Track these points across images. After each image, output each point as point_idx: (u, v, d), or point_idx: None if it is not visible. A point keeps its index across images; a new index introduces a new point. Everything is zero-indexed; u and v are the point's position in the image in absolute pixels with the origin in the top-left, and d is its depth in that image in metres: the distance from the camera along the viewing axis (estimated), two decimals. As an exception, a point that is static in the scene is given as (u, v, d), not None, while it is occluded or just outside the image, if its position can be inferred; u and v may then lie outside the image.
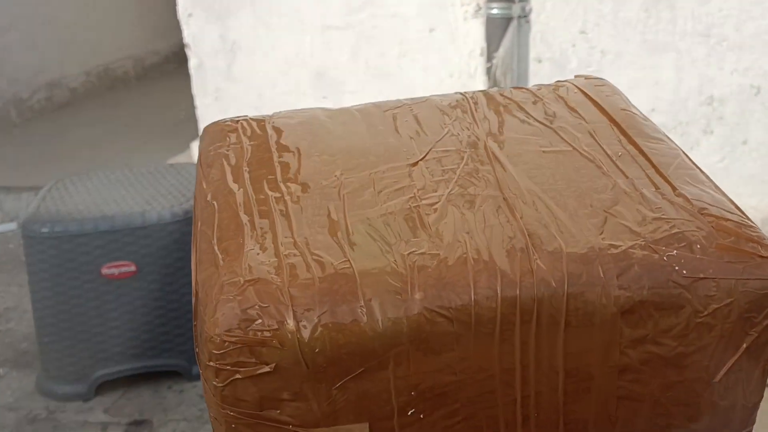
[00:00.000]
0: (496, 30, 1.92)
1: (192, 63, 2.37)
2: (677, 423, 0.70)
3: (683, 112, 1.92)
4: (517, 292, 0.64)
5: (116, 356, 1.72)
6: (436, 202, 0.73)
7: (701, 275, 0.65)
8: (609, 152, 0.80)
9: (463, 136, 0.86)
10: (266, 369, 0.62)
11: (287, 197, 0.76)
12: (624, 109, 0.89)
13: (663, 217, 0.69)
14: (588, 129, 0.85)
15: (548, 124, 0.87)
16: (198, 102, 2.41)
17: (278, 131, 0.89)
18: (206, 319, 0.64)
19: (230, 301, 0.63)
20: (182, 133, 3.07)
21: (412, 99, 0.96)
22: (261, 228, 0.72)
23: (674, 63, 1.85)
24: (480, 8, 1.95)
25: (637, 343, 0.66)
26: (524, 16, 1.89)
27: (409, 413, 0.66)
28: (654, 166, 0.78)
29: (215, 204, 0.77)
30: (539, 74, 1.96)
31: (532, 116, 0.89)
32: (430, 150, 0.83)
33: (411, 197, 0.75)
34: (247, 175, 0.80)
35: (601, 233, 0.68)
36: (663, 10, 1.81)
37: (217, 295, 0.64)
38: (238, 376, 0.62)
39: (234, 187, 0.79)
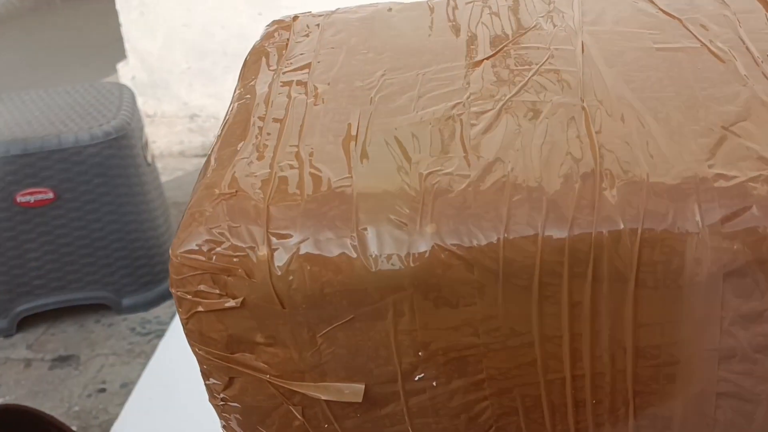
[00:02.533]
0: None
1: (115, -24, 2.20)
2: (805, 441, 0.48)
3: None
4: (567, 232, 0.46)
5: (37, 289, 1.59)
6: (488, 110, 0.56)
7: None
8: (753, 50, 0.57)
9: (554, 30, 0.66)
10: (232, 303, 0.50)
11: (311, 99, 0.62)
12: (795, -5, 0.64)
13: (815, 138, 0.46)
14: (732, 20, 0.61)
15: (676, 14, 0.64)
16: (122, 18, 2.20)
17: (332, 26, 0.74)
18: (175, 237, 0.52)
19: (198, 218, 0.51)
20: (109, 55, 2.73)
21: (507, -12, 0.76)
22: (268, 134, 0.59)
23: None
24: None
25: (748, 320, 0.45)
26: None
27: (417, 378, 0.51)
28: (821, 68, 0.53)
29: (235, 106, 0.65)
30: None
31: (656, 5, 0.67)
32: (503, 47, 0.64)
33: (458, 103, 0.57)
34: (277, 76, 0.67)
35: (711, 158, 0.47)
36: None
37: (188, 210, 0.53)
38: (200, 308, 0.51)
39: (259, 87, 0.66)
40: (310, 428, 0.54)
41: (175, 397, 1.13)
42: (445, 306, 0.49)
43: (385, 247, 0.48)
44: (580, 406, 0.51)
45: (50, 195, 1.52)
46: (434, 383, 0.51)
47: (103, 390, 1.49)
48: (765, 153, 0.46)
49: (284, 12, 2.26)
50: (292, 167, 0.54)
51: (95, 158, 1.52)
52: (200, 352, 0.53)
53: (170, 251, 0.51)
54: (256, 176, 0.53)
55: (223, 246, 0.50)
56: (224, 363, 0.53)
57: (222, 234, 0.50)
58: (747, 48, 0.57)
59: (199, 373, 0.55)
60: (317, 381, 0.52)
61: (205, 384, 0.56)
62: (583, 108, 0.54)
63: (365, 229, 0.49)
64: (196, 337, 0.52)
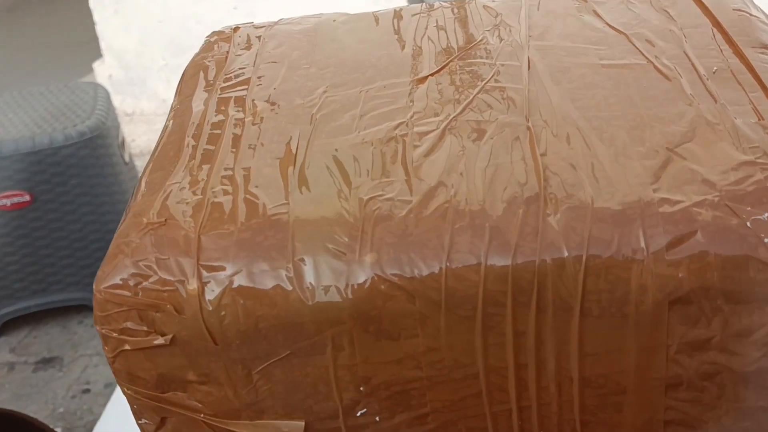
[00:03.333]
0: None
1: (89, -27, 2.13)
2: (754, 469, 0.47)
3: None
4: (511, 260, 0.44)
5: (19, 293, 1.56)
6: (432, 130, 0.54)
7: (807, 254, 0.41)
8: (699, 67, 0.56)
9: (501, 45, 0.64)
10: (161, 341, 0.47)
11: (248, 118, 0.59)
12: (738, 10, 0.63)
13: (758, 161, 0.45)
14: (678, 35, 0.61)
15: (623, 29, 0.63)
16: (96, 17, 2.15)
17: (274, 38, 0.72)
18: (99, 270, 0.49)
19: (123, 250, 0.48)
20: (85, 54, 2.66)
21: (451, 2, 0.75)
22: (203, 156, 0.56)
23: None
24: None
25: (694, 348, 0.44)
26: None
27: (359, 414, 0.49)
28: (765, 86, 0.53)
29: (170, 125, 0.62)
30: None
31: (603, 20, 0.65)
32: (449, 62, 0.62)
33: (401, 123, 0.55)
34: (215, 92, 0.64)
35: (656, 182, 0.46)
36: None
37: (115, 240, 0.50)
38: (127, 346, 0.48)
39: (196, 104, 0.63)
40: (249, 467, 0.52)
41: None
42: (386, 339, 0.47)
43: (323, 278, 0.46)
44: (528, 437, 0.49)
45: (27, 197, 1.49)
46: (377, 418, 0.49)
47: (87, 391, 1.47)
48: (710, 176, 0.45)
49: (261, 4, 2.18)
50: (226, 193, 0.51)
51: (71, 159, 1.49)
52: (129, 392, 0.50)
53: (94, 286, 0.48)
54: (187, 203, 0.51)
55: (151, 280, 0.47)
56: (155, 403, 0.50)
57: (149, 267, 0.47)
58: (693, 65, 0.56)
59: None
60: (254, 419, 0.50)
61: (138, 424, 0.53)
62: (528, 128, 0.52)
63: (302, 259, 0.46)
64: (123, 377, 0.49)
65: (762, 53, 0.56)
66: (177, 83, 0.73)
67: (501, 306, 0.45)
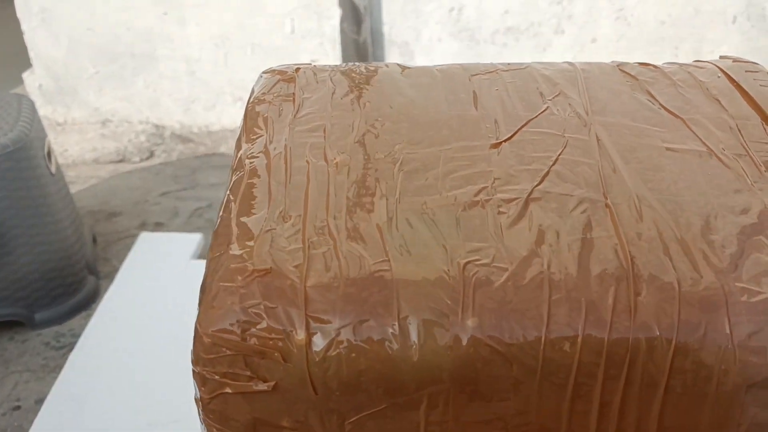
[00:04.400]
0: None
1: (14, -20, 2.09)
2: None
3: (535, 13, 1.78)
4: (606, 335, 0.48)
5: None
6: (516, 198, 0.57)
7: None
8: (757, 159, 0.61)
9: (566, 116, 0.68)
10: (263, 387, 0.49)
11: (331, 169, 0.61)
12: (783, 105, 0.69)
13: (827, 259, 0.50)
14: (731, 125, 0.66)
15: (678, 113, 0.68)
16: (24, 26, 2.13)
17: (340, 85, 0.74)
18: (201, 310, 0.51)
19: (231, 294, 0.50)
20: (15, 64, 2.57)
21: (508, 64, 0.79)
22: (292, 203, 0.58)
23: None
24: None
25: (762, 428, 0.49)
26: None
27: (441, 467, 0.52)
28: (819, 185, 0.58)
29: (247, 165, 0.64)
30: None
31: (658, 101, 0.70)
32: (519, 129, 0.66)
33: (484, 188, 0.58)
34: (291, 135, 0.66)
35: (734, 271, 0.50)
36: None
37: (218, 282, 0.51)
38: (228, 390, 0.49)
39: (273, 147, 0.65)
40: None
41: (85, 409, 1.12)
42: (479, 400, 0.49)
43: (427, 338, 0.48)
44: (595, 498, 0.52)
45: None
46: (457, 472, 0.52)
47: (17, 407, 1.44)
48: (784, 271, 0.50)
49: (190, 11, 2.15)
50: (324, 244, 0.53)
51: None
52: (219, 432, 0.51)
53: (198, 327, 0.50)
54: (288, 251, 0.52)
55: (259, 326, 0.49)
56: (244, 444, 0.51)
57: (258, 314, 0.49)
58: (750, 155, 0.61)
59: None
60: (340, 465, 0.51)
61: None
62: (608, 205, 0.56)
63: (407, 318, 0.49)
64: (216, 418, 0.51)
65: (811, 152, 0.62)
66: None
67: (592, 377, 0.48)
